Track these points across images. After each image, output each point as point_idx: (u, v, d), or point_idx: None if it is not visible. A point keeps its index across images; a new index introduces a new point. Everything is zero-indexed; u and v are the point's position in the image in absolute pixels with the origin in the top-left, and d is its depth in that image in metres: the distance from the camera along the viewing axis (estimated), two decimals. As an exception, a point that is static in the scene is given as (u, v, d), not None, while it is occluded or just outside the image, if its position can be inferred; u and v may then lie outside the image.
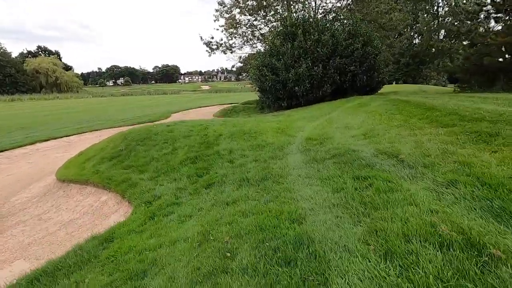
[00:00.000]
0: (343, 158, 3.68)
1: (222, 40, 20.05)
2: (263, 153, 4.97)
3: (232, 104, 24.33)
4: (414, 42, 48.00)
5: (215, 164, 4.82)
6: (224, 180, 3.96)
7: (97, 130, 16.31)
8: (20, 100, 57.81)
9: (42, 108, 35.11)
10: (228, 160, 4.95)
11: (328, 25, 13.23)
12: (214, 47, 20.29)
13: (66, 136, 14.64)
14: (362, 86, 13.32)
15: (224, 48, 19.70)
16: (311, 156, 4.16)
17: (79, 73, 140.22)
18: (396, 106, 6.66)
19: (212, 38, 19.91)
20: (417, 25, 44.77)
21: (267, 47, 13.47)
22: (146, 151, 5.99)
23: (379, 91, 14.69)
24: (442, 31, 49.72)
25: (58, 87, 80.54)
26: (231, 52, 20.66)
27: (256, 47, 20.16)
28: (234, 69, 22.06)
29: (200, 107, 28.08)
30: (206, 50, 20.07)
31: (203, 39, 19.63)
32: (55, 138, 14.05)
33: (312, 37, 12.19)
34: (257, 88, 14.43)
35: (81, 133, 15.63)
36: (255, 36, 20.50)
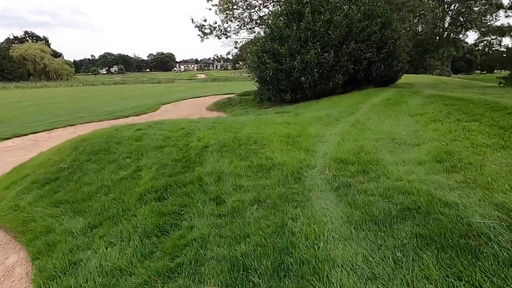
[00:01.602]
0: (436, 225, 1.83)
1: (216, 23, 17.85)
2: (270, 185, 3.11)
3: (228, 96, 22.34)
4: (417, 29, 45.86)
5: (192, 206, 2.96)
6: (201, 256, 2.10)
7: (73, 125, 14.30)
8: (5, 89, 55.16)
9: (25, 98, 32.80)
10: (214, 196, 3.09)
11: (339, 4, 11.17)
12: (207, 31, 18.09)
13: (35, 132, 12.58)
14: (379, 76, 11.39)
15: (219, 32, 17.53)
16: (359, 205, 2.31)
17: (72, 60, 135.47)
18: (454, 106, 4.81)
19: (205, 20, 17.69)
20: (422, 11, 42.66)
21: (267, 29, 11.43)
22: (96, 172, 4.08)
23: (395, 82, 12.77)
24: (448, 18, 47.63)
25: (47, 75, 77.41)
26: (226, 37, 18.51)
27: (255, 31, 18.02)
28: (230, 56, 19.96)
29: (194, 97, 26.16)
30: (198, 35, 17.88)
31: (194, 22, 17.41)
32: (20, 136, 12.00)
33: (323, 17, 10.15)
34: (256, 78, 12.44)
35: (54, 128, 13.60)
36: (253, 20, 18.34)
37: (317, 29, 10.19)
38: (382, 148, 3.52)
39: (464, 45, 51.95)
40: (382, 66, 11.12)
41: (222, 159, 4.05)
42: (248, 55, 12.71)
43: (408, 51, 12.91)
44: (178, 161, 4.12)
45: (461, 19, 47.58)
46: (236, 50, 18.99)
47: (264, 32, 11.88)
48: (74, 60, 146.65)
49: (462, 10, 46.03)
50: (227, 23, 18.20)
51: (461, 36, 49.73)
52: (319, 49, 10.13)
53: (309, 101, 10.63)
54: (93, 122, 14.62)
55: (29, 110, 21.32)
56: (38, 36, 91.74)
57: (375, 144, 3.73)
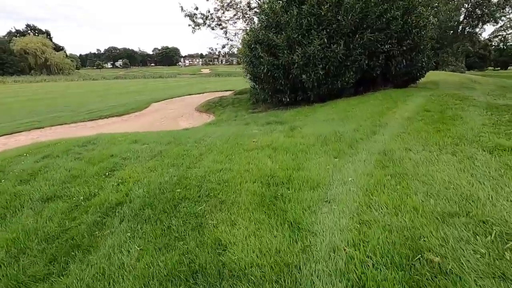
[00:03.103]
0: None
1: (209, 12, 15.69)
2: None
3: (224, 94, 20.43)
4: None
5: None
6: None
7: (42, 128, 12.54)
8: (2, 83, 54.25)
9: (15, 93, 31.33)
10: None
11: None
12: (200, 21, 15.99)
13: (-10, 138, 10.74)
14: (399, 73, 9.23)
15: (211, 21, 15.42)
16: None
17: (78, 54, 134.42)
18: None
19: (196, 8, 15.55)
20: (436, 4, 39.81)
21: (261, 15, 9.32)
22: None
23: (418, 82, 10.52)
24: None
25: (48, 69, 76.32)
26: (222, 29, 16.38)
27: (254, 22, 15.86)
28: (226, 49, 17.87)
29: (190, 94, 24.41)
30: (189, 25, 15.81)
31: (184, 10, 15.30)
32: (-28, 142, 10.15)
33: (330, -2, 8.01)
34: (249, 75, 10.37)
35: (17, 132, 11.82)
36: (252, 8, 16.18)
37: (323, 14, 8.05)
38: (468, 255, 1.49)
39: (479, 40, 48.93)
40: (404, 61, 8.96)
41: (129, 243, 2.05)
42: (241, 47, 10.65)
43: (434, 43, 10.67)
44: (50, 242, 2.13)
45: (478, 12, 44.53)
46: (232, 43, 16.76)
47: (259, 20, 9.78)
48: (80, 55, 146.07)
49: (480, 1, 42.98)
50: (223, 12, 16.11)
51: (477, 30, 46.71)
52: (325, 40, 8.01)
53: (312, 104, 8.56)
54: (65, 124, 12.89)
55: (7, 107, 19.71)
56: (40, 29, 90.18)
57: (444, 233, 1.68)
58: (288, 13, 8.37)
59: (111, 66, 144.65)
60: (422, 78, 10.37)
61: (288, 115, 6.97)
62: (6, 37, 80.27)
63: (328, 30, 8.13)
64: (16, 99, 25.55)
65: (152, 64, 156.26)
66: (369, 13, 8.35)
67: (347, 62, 8.41)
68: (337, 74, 8.53)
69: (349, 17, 8.04)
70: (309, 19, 8.10)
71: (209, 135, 4.96)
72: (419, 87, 10.10)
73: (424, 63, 9.55)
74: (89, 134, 10.86)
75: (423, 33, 9.12)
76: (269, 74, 8.75)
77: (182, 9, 15.31)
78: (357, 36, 8.33)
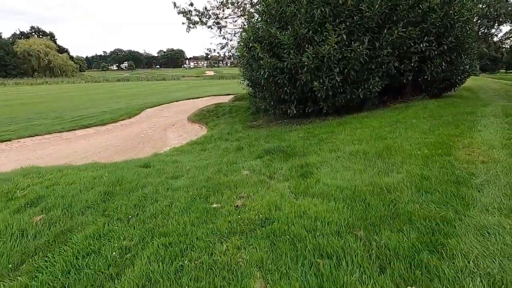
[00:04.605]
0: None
1: (205, 9, 13.91)
2: None
3: (222, 99, 18.64)
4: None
5: None
6: None
7: (7, 140, 10.89)
8: (4, 85, 53.47)
9: (6, 96, 30.03)
10: None
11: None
12: (195, 18, 14.22)
13: None
14: (436, 80, 7.28)
15: (207, 19, 13.63)
16: None
17: (84, 56, 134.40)
18: None
19: (191, 4, 13.80)
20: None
21: (261, 6, 7.42)
22: None
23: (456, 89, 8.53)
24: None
25: (51, 71, 75.75)
26: (219, 28, 14.59)
27: (254, 17, 14.05)
28: (225, 51, 16.11)
29: (188, 98, 22.91)
30: (183, 23, 14.05)
31: (177, 7, 13.53)
32: None
33: (351, -17, 6.14)
34: (247, 81, 8.52)
35: (-21, 144, 10.14)
36: (253, 5, 14.39)
37: (341, 2, 6.16)
38: None
39: (494, 41, 46.44)
40: (443, 64, 7.01)
41: None
42: (238, 47, 8.83)
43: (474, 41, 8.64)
44: None
45: (494, 13, 41.99)
46: (231, 43, 14.94)
47: (258, 12, 7.91)
48: (87, 56, 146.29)
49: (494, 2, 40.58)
50: (223, 10, 14.36)
51: (493, 31, 44.18)
52: (344, 36, 6.11)
53: (326, 118, 6.67)
54: (37, 135, 11.23)
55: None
56: (44, 31, 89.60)
57: None
58: (296, 2, 6.50)
59: (116, 68, 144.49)
60: (464, 83, 8.38)
61: (296, 137, 5.08)
62: (10, 39, 79.76)
63: (347, 23, 6.23)
64: (6, 103, 24.18)
65: (157, 66, 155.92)
66: (400, 2, 6.45)
67: (372, 65, 6.51)
68: (357, 81, 6.63)
69: (376, 7, 6.14)
70: (323, 9, 6.20)
71: (172, 182, 3.12)
72: (457, 96, 8.15)
73: (465, 67, 7.57)
74: (49, 150, 8.97)
75: (467, 28, 7.16)
76: (270, 80, 6.88)
77: (175, 5, 13.56)
78: (385, 31, 6.42)
